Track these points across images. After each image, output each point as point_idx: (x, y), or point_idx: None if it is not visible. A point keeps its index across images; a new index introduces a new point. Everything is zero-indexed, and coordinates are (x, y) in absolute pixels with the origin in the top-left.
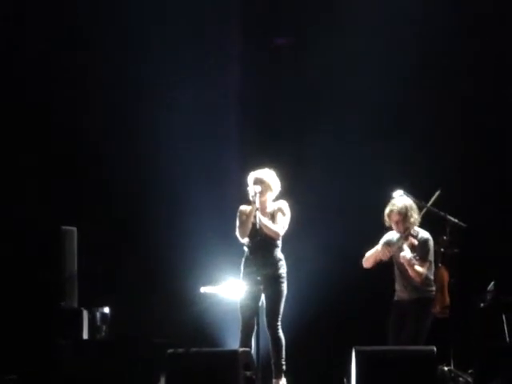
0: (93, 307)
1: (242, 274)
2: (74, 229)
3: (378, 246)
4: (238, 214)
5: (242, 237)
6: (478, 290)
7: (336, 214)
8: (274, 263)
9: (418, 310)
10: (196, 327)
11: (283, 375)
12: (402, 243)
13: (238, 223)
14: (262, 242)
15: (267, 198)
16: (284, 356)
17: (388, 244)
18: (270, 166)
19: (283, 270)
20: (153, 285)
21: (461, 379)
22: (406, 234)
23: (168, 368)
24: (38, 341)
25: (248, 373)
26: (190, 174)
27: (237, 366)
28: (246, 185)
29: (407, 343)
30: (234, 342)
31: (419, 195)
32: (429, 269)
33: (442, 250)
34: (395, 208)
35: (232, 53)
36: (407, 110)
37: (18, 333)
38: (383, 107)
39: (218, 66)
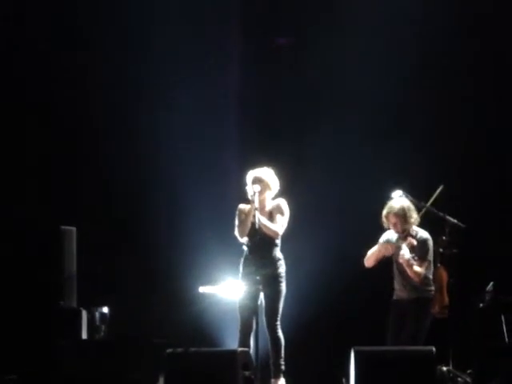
0: (92, 307)
1: (240, 274)
2: (74, 229)
3: (379, 244)
4: (237, 212)
5: (241, 236)
6: (477, 291)
7: (336, 213)
8: (273, 263)
9: (417, 309)
10: (195, 327)
11: (282, 375)
12: (401, 243)
13: (236, 222)
14: (261, 242)
15: (266, 196)
16: (283, 356)
17: (388, 242)
18: (269, 166)
19: (282, 269)
20: (152, 285)
21: (460, 379)
22: (404, 234)
23: (167, 368)
24: (37, 341)
25: (247, 373)
26: (189, 174)
27: (235, 366)
28: (245, 184)
29: (406, 343)
30: (232, 342)
31: (419, 195)
32: (428, 269)
33: (441, 250)
34: (392, 210)
35: (232, 53)
36: (407, 110)
37: (17, 332)
38: (383, 107)
39: (217, 65)
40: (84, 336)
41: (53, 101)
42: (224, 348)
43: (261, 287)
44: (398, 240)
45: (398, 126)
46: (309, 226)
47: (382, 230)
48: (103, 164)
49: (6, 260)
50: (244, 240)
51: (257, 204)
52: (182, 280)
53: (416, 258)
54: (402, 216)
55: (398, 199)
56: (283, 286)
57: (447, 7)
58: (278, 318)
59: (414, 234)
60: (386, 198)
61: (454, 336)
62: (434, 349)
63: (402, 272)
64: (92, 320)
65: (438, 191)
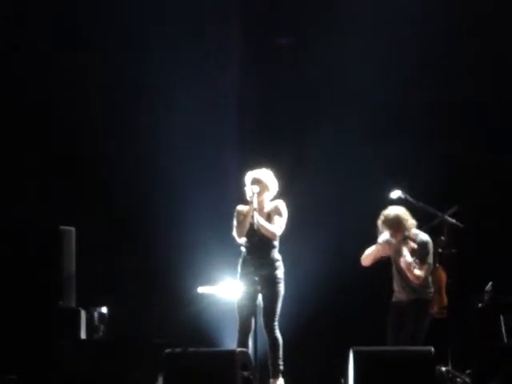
0: (91, 307)
1: (239, 275)
2: (73, 229)
3: (377, 244)
4: (235, 213)
5: (239, 237)
6: (475, 291)
7: (335, 214)
8: (271, 264)
9: (416, 310)
10: (194, 327)
11: (280, 375)
12: (401, 247)
13: (235, 223)
14: (260, 243)
15: (264, 198)
16: (281, 356)
17: (387, 242)
18: (269, 167)
19: (280, 270)
20: (151, 285)
21: (459, 380)
22: (404, 238)
23: (166, 368)
24: (36, 340)
25: (245, 373)
26: (189, 174)
27: (234, 366)
28: (244, 185)
29: (405, 344)
30: (231, 342)
31: (419, 196)
32: (428, 271)
33: (440, 250)
34: (386, 221)
35: (232, 53)
36: (407, 110)
37: (17, 332)
38: (383, 107)
39: (218, 65)
40: (83, 336)
41: (53, 101)
42: (223, 348)
43: (259, 288)
44: (398, 243)
45: (398, 126)
46: (308, 226)
47: (378, 231)
48: (103, 164)
49: (5, 260)
50: (242, 241)
51: (255, 205)
52: (180, 280)
53: (417, 261)
54: (397, 224)
55: (390, 208)
56: (281, 287)
57: (447, 7)
58: (276, 319)
59: (413, 237)
60: (386, 198)
61: (453, 336)
62: (432, 349)
63: (401, 273)
64: (91, 320)
65: (453, 210)
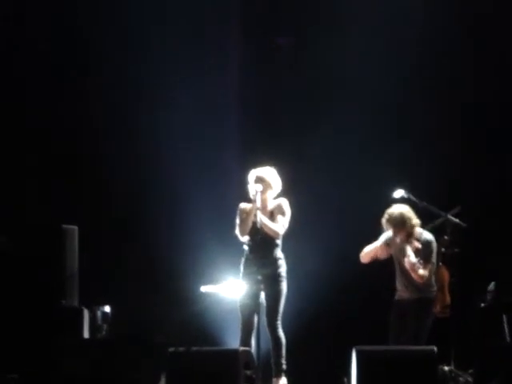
0: (94, 306)
1: (241, 274)
2: (75, 227)
3: (378, 243)
4: (238, 211)
5: (242, 235)
6: (478, 290)
7: (336, 213)
8: (274, 262)
9: (418, 309)
10: (196, 326)
11: (283, 374)
12: (406, 246)
13: (237, 221)
14: (262, 241)
15: (268, 196)
16: (284, 355)
17: (388, 243)
18: (270, 165)
19: (283, 269)
20: (153, 284)
21: (461, 379)
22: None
23: (168, 367)
24: (39, 340)
25: (248, 372)
26: (189, 174)
27: (237, 365)
28: (246, 184)
29: (408, 343)
30: (234, 341)
31: (419, 195)
32: (431, 270)
33: (443, 249)
34: (391, 220)
35: (232, 53)
36: (407, 110)
37: (19, 331)
38: (383, 107)
39: (217, 65)
40: (86, 335)
41: (53, 101)
42: (225, 347)
43: (262, 287)
44: (402, 243)
45: (398, 126)
46: (309, 225)
47: (383, 230)
48: (103, 164)
49: (7, 258)
50: (245, 239)
51: (258, 203)
52: (183, 279)
53: (421, 261)
54: (402, 224)
55: (395, 207)
56: (284, 286)
57: (447, 7)
58: (279, 318)
59: (417, 236)
60: (387, 197)
61: (455, 336)
62: (435, 348)
63: (405, 273)
64: (94, 319)
65: (455, 211)
